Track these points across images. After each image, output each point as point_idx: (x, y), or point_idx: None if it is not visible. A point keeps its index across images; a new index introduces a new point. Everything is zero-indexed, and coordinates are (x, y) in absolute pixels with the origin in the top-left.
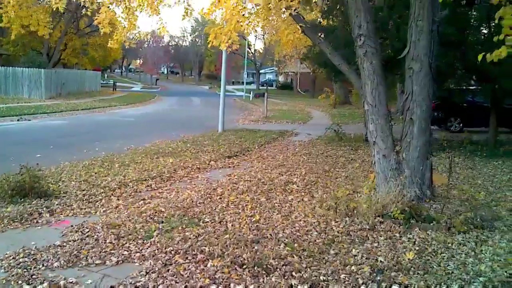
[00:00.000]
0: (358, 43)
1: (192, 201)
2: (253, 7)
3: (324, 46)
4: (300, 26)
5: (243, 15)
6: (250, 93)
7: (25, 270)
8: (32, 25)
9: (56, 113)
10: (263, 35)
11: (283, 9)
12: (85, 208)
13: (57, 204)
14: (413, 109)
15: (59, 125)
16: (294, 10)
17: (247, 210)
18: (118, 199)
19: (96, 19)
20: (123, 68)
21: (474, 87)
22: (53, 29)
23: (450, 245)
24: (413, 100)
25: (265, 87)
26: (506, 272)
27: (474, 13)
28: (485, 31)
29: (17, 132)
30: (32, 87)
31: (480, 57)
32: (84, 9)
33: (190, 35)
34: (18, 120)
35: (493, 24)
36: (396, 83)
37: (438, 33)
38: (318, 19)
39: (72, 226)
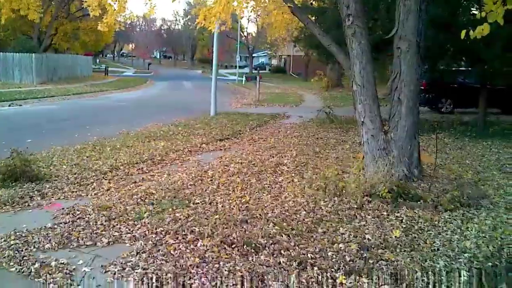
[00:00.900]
0: (347, 23)
1: (183, 183)
2: None
3: (313, 26)
4: (289, 7)
5: None
6: (242, 77)
7: (17, 252)
8: (22, 9)
9: (47, 98)
10: (256, 18)
11: None
12: (76, 191)
13: (48, 188)
14: (401, 88)
15: (50, 110)
16: None
17: (237, 191)
18: (110, 182)
19: (85, 1)
20: (115, 53)
21: (464, 68)
22: (44, 13)
23: (436, 223)
24: (401, 80)
25: (258, 71)
26: (490, 248)
27: None
28: (475, 12)
29: (8, 118)
30: (23, 72)
31: (463, 34)
32: None
33: (183, 19)
34: (9, 106)
35: (483, 3)
36: (387, 64)
37: (426, 12)
38: (310, 0)
39: (63, 208)
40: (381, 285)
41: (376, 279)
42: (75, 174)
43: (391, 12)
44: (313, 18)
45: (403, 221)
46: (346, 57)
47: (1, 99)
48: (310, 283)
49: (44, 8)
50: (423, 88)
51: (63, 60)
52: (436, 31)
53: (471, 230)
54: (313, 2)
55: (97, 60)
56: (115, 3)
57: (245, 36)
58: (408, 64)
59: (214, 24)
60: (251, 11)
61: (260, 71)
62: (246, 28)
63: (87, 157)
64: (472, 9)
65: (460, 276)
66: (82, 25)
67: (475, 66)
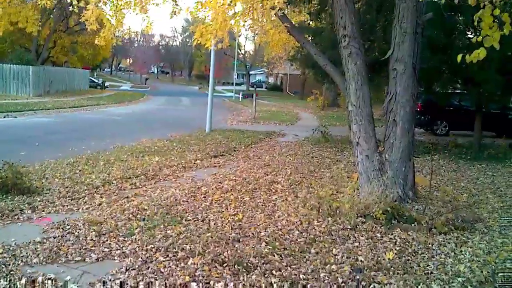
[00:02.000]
0: (343, 44)
1: (176, 200)
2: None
3: (310, 46)
4: (286, 27)
5: (233, 13)
6: (239, 94)
7: (3, 266)
8: (20, 22)
9: (43, 111)
10: (253, 37)
11: (269, 9)
12: (67, 205)
13: (39, 201)
14: (397, 110)
15: (45, 122)
16: (279, 10)
17: (230, 209)
18: (102, 197)
19: (83, 15)
20: (113, 67)
21: (460, 91)
22: (42, 26)
23: (430, 245)
24: (397, 101)
25: (255, 88)
26: (484, 272)
27: (461, 17)
28: (470, 36)
29: (3, 129)
30: (19, 84)
31: (459, 58)
32: (71, 7)
33: (181, 35)
34: (4, 117)
35: (479, 27)
36: (383, 85)
37: (422, 35)
38: (307, 21)
39: (53, 222)
40: None
41: None
42: (67, 187)
43: (387, 34)
44: (310, 38)
45: (397, 243)
46: (342, 77)
47: None
48: None
49: (43, 21)
50: (418, 109)
51: (60, 73)
52: (431, 53)
53: (465, 254)
54: (310, 22)
55: (95, 74)
56: (113, 18)
57: (242, 54)
58: (403, 86)
59: (211, 42)
60: (248, 30)
61: (257, 89)
62: (244, 46)
63: (80, 170)
64: (468, 33)
65: None
66: (80, 39)
67: (470, 89)
